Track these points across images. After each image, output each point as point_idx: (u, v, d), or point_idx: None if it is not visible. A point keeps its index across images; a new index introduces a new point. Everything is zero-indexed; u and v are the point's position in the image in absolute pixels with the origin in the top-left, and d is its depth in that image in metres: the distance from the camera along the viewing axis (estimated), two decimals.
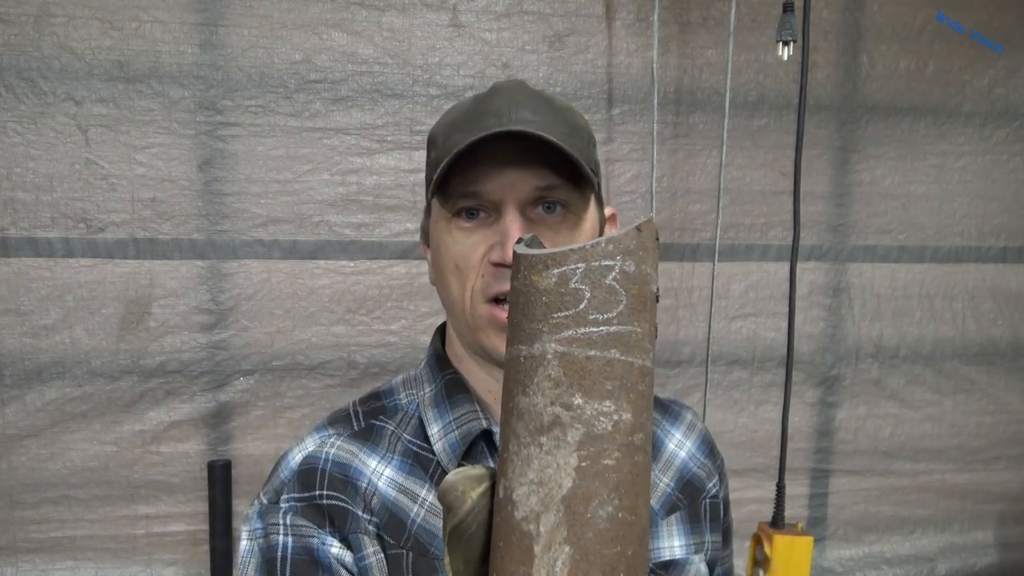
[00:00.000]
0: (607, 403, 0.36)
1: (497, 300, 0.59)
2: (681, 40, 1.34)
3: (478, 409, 0.64)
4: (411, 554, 0.59)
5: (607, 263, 0.36)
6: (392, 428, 0.66)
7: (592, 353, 0.36)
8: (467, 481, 0.41)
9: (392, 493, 0.62)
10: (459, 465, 0.62)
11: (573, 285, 0.36)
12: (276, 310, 1.26)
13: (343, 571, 0.59)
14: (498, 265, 0.58)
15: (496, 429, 0.61)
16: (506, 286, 0.55)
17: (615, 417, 0.36)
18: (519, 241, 0.42)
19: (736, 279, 1.42)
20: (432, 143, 0.63)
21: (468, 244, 0.59)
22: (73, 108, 1.17)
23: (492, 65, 1.28)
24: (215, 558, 1.26)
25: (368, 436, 0.65)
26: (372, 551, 0.60)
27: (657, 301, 0.39)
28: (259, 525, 0.61)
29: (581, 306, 0.36)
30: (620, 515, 0.36)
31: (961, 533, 1.59)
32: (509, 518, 0.37)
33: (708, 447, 0.76)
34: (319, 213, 1.25)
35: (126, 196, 1.20)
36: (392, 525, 0.60)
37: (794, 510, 1.50)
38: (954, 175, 1.47)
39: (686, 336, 1.41)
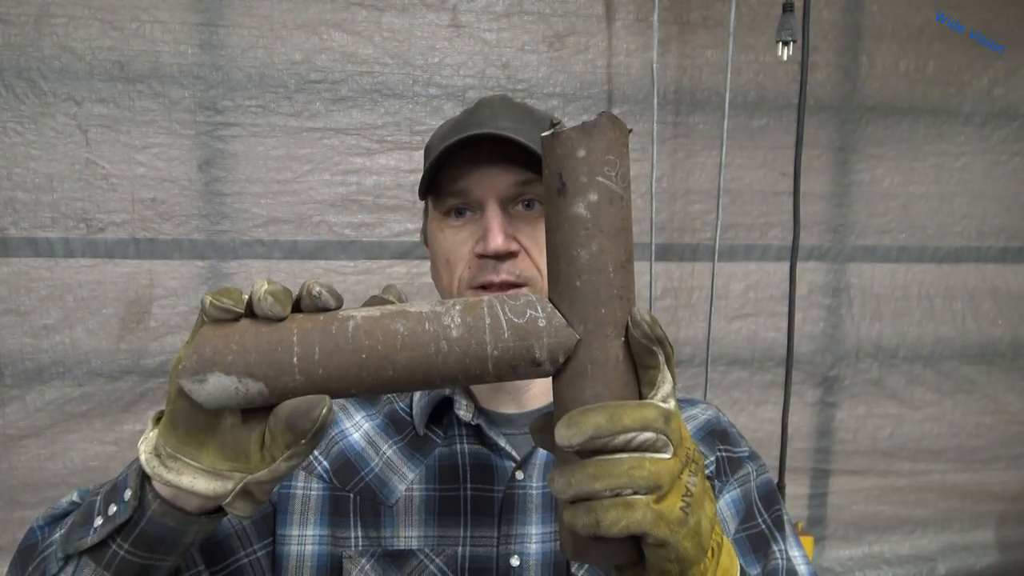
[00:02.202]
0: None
1: (482, 287, 0.65)
2: (681, 40, 1.34)
3: None
4: (358, 498, 0.67)
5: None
6: (390, 395, 0.74)
7: None
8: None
9: (361, 443, 0.71)
10: (427, 427, 0.70)
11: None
12: None
13: None
14: (482, 256, 0.64)
15: (456, 398, 0.69)
16: (489, 276, 0.64)
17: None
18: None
19: (736, 279, 1.42)
20: (427, 153, 0.72)
21: (457, 240, 0.67)
22: (73, 108, 1.17)
23: (492, 65, 1.28)
24: None
25: (368, 396, 0.74)
26: (302, 484, 0.68)
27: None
28: None
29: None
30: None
31: (961, 533, 1.59)
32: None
33: (705, 433, 0.76)
34: (319, 213, 1.25)
35: (126, 196, 1.20)
36: (343, 472, 0.68)
37: (794, 510, 1.50)
38: (954, 175, 1.47)
39: (686, 336, 1.41)
